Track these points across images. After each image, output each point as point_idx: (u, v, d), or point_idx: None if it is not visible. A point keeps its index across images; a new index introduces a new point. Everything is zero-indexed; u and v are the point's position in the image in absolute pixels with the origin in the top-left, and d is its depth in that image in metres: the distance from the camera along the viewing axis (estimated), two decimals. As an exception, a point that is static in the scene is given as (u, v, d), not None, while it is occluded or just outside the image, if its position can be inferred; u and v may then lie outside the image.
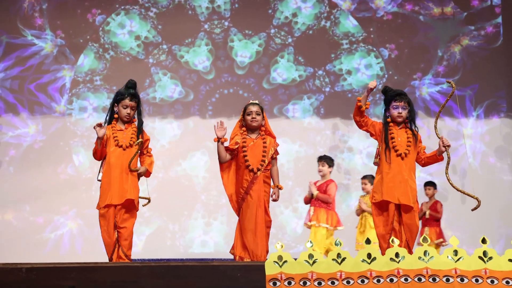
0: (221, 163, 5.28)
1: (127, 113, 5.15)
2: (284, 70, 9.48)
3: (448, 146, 5.07)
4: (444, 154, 5.13)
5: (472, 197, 5.05)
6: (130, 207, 5.10)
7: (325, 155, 7.70)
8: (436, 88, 9.53)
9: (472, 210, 5.12)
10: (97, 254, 6.39)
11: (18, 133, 9.14)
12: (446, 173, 5.17)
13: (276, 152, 5.33)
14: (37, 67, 9.27)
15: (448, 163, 5.14)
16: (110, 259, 5.07)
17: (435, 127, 5.22)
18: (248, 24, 9.50)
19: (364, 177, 7.85)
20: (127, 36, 9.41)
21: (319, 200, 7.31)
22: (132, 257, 5.19)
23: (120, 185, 5.05)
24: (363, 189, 7.85)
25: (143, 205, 5.27)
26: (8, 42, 9.27)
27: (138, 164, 5.22)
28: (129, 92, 5.16)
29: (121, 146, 5.10)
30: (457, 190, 5.14)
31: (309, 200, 7.44)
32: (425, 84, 9.52)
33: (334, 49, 9.57)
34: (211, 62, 9.46)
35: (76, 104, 9.26)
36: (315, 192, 7.31)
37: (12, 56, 9.26)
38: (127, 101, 5.15)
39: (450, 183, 5.14)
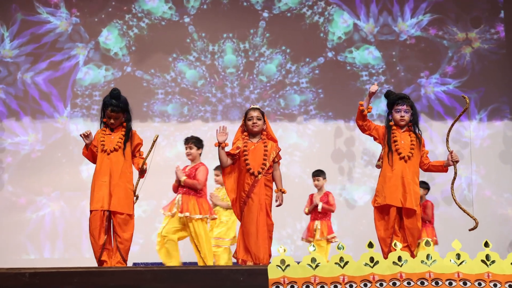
0: (222, 168, 5.27)
1: (111, 123, 5.18)
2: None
3: (457, 161, 5.07)
4: (451, 168, 5.13)
5: (471, 217, 5.10)
6: (123, 214, 5.09)
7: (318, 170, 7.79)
8: (442, 87, 9.47)
9: (470, 230, 5.17)
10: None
11: (17, 140, 9.14)
12: (451, 188, 5.20)
13: (279, 156, 5.30)
14: (51, 45, 9.28)
15: (454, 178, 5.15)
16: (98, 261, 5.06)
17: (447, 140, 5.21)
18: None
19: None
20: (157, 2, 9.41)
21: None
22: (134, 260, 5.19)
23: (106, 190, 5.06)
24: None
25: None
26: (23, 19, 9.24)
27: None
28: (110, 103, 5.15)
29: (105, 151, 5.10)
30: (459, 207, 5.15)
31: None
32: (431, 83, 9.46)
33: (354, 80, 9.50)
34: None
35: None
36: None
37: (26, 33, 9.24)
38: (108, 112, 5.16)
39: (454, 199, 5.16)
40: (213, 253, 6.75)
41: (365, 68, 9.49)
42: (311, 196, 7.68)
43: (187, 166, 6.75)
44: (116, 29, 9.36)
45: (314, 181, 7.70)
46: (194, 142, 6.72)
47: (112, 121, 5.17)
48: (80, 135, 5.20)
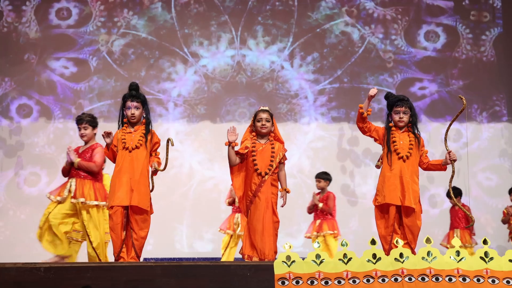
0: (231, 166, 5.33)
1: (131, 114, 5.21)
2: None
3: (455, 160, 5.16)
4: (449, 167, 5.22)
5: (468, 215, 5.18)
6: (142, 211, 5.13)
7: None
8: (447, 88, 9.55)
9: (466, 227, 5.27)
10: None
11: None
12: (449, 186, 5.30)
13: (284, 157, 5.37)
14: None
15: (452, 177, 5.24)
16: (117, 256, 5.09)
17: (445, 139, 5.30)
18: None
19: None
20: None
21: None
22: (145, 255, 5.24)
23: (127, 187, 5.08)
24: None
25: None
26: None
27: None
28: (130, 94, 5.23)
29: (127, 149, 5.14)
30: (457, 205, 5.24)
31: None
32: (437, 82, 9.52)
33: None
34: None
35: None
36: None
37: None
38: (128, 103, 5.22)
39: (452, 196, 5.25)
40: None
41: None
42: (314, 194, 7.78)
43: (80, 147, 6.11)
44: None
45: (316, 182, 7.78)
46: (89, 121, 6.01)
47: (132, 111, 5.20)
48: (102, 135, 5.21)
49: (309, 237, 7.65)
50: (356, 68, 9.32)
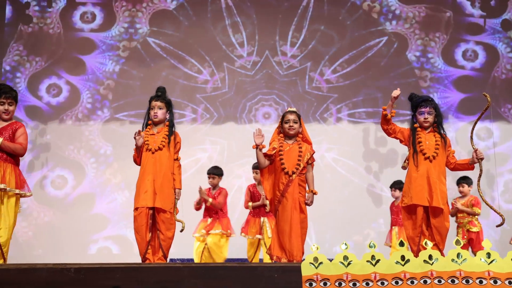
0: (261, 169, 5.35)
1: (154, 113, 5.25)
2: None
3: (482, 159, 5.10)
4: (477, 166, 5.17)
5: (498, 213, 5.12)
6: (167, 212, 5.15)
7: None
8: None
9: (497, 226, 5.21)
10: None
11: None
12: (478, 185, 5.23)
13: (312, 158, 5.36)
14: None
15: (480, 176, 5.19)
16: (143, 257, 5.12)
17: (471, 138, 5.25)
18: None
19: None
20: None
21: None
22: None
23: (151, 189, 5.10)
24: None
25: (180, 231, 5.30)
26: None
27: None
28: (155, 95, 5.29)
29: (150, 150, 5.16)
30: (486, 203, 5.18)
31: None
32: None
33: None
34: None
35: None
36: None
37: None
38: (153, 102, 5.27)
39: (480, 195, 5.18)
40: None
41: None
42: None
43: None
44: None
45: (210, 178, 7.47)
46: (16, 97, 5.34)
47: (155, 110, 5.23)
48: (134, 137, 5.23)
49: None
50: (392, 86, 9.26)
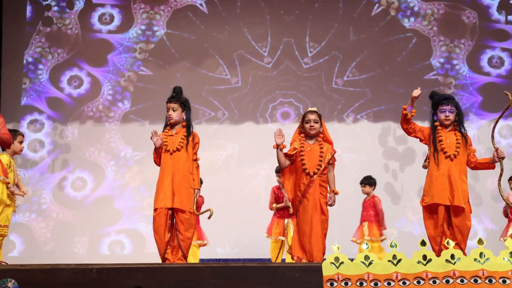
0: (282, 169, 5.35)
1: (169, 115, 5.27)
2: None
3: (503, 158, 5.07)
4: (497, 165, 5.13)
5: None
6: (186, 212, 5.17)
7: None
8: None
9: None
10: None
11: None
12: (498, 185, 5.20)
13: (333, 159, 5.34)
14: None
15: (501, 175, 5.14)
16: (162, 258, 5.15)
17: (492, 136, 5.22)
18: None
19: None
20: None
21: None
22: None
23: (170, 189, 5.13)
24: None
25: (208, 218, 5.37)
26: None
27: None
28: (170, 96, 5.31)
29: (168, 151, 5.19)
30: (506, 203, 5.15)
31: None
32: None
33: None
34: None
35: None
36: None
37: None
38: (167, 105, 5.30)
39: (501, 195, 5.15)
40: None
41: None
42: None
43: None
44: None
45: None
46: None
47: (170, 112, 5.25)
48: (151, 138, 5.25)
49: (357, 242, 7.57)
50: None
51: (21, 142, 5.80)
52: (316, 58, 9.42)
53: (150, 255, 8.46)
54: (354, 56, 9.40)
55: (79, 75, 9.35)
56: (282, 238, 7.17)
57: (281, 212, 7.28)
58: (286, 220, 7.24)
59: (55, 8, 9.42)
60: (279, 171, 6.73)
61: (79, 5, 9.46)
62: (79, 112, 9.28)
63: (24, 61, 9.30)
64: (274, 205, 7.32)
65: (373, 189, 7.83)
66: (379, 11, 9.44)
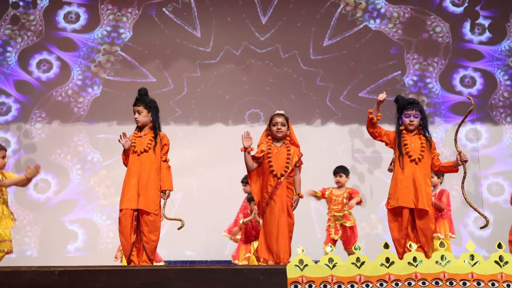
0: (249, 171, 5.39)
1: (135, 118, 5.31)
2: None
3: (465, 161, 5.18)
4: (461, 168, 5.25)
5: (482, 215, 5.21)
6: (151, 215, 5.18)
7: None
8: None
9: (481, 228, 5.28)
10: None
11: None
12: (462, 187, 5.31)
13: (300, 161, 5.41)
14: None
15: (464, 178, 5.28)
16: (128, 259, 5.15)
17: (455, 140, 5.33)
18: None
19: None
20: None
21: None
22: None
23: (135, 190, 5.14)
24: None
25: (178, 229, 5.30)
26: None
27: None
28: (135, 98, 5.34)
29: (136, 152, 5.21)
30: (470, 206, 5.25)
31: None
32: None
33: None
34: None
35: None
36: None
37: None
38: (133, 108, 5.33)
39: (465, 197, 5.27)
40: None
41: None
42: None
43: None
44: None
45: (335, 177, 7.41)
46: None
47: (136, 115, 5.29)
48: (119, 140, 5.27)
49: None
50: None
51: (3, 157, 5.66)
52: (287, 60, 9.48)
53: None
54: (326, 62, 9.48)
55: (48, 59, 9.26)
56: (249, 255, 6.96)
57: (247, 237, 7.08)
58: (252, 243, 7.06)
59: (21, 3, 9.31)
60: (246, 180, 6.79)
61: (44, 2, 9.36)
62: (48, 96, 9.19)
63: None
64: (241, 220, 7.07)
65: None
66: (344, 12, 9.54)
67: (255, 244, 6.99)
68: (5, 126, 9.06)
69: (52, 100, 9.21)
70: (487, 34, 9.46)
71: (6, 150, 5.77)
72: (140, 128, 5.34)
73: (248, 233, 7.09)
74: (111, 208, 8.94)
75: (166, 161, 5.32)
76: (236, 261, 7.13)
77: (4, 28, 9.22)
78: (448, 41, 9.45)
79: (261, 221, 6.83)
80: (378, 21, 9.51)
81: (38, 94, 9.18)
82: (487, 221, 5.19)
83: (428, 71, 9.41)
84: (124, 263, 5.89)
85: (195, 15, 9.47)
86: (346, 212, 7.15)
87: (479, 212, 5.22)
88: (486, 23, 9.47)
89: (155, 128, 5.31)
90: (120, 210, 5.18)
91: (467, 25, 9.48)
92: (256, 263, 6.42)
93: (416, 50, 9.44)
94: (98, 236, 8.95)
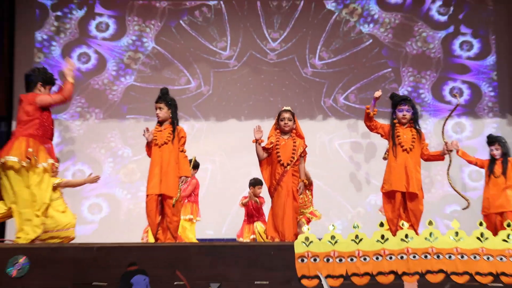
0: (260, 160, 5.43)
1: (157, 113, 5.35)
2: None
3: (451, 150, 5.21)
4: (447, 157, 5.28)
5: (464, 198, 5.23)
6: (172, 198, 5.22)
7: None
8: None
9: (463, 209, 5.30)
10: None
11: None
12: (447, 173, 5.34)
13: (304, 152, 5.44)
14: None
15: (449, 165, 5.31)
16: (155, 237, 5.21)
17: (442, 132, 5.38)
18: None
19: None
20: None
21: None
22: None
23: (158, 178, 5.19)
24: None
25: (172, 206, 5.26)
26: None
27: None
28: (158, 97, 5.38)
29: (157, 144, 5.27)
30: (454, 189, 5.28)
31: None
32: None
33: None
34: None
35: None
36: None
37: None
38: (155, 104, 5.37)
39: (449, 182, 5.29)
40: None
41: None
42: None
43: None
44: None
45: None
46: None
47: (157, 111, 5.34)
48: (143, 134, 5.32)
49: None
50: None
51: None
52: (291, 63, 9.45)
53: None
54: (344, 96, 9.45)
55: (87, 52, 9.32)
56: (254, 236, 7.14)
57: (249, 217, 7.26)
58: (254, 224, 7.20)
59: (59, 13, 9.39)
60: (253, 183, 7.01)
61: (80, 12, 9.42)
62: (86, 84, 9.26)
63: (40, 38, 9.25)
64: (241, 201, 7.28)
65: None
66: (338, 19, 9.53)
67: (257, 224, 7.13)
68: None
69: (90, 88, 9.29)
70: (474, 51, 9.46)
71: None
72: (160, 123, 5.38)
73: (250, 213, 7.24)
74: (131, 184, 9.04)
75: (183, 151, 5.36)
76: (240, 239, 7.24)
77: (49, 24, 9.28)
78: (439, 56, 9.45)
79: (258, 200, 7.01)
80: (371, 25, 9.50)
81: (78, 82, 9.12)
82: (469, 203, 5.22)
83: (421, 82, 9.41)
84: (151, 241, 5.99)
85: (210, 25, 9.50)
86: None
87: (461, 195, 5.24)
88: (474, 41, 9.48)
89: (174, 123, 5.35)
90: (147, 196, 5.23)
91: (457, 42, 9.48)
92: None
93: (411, 64, 9.44)
94: (120, 208, 9.05)
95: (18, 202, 4.69)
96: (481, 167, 6.59)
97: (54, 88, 5.18)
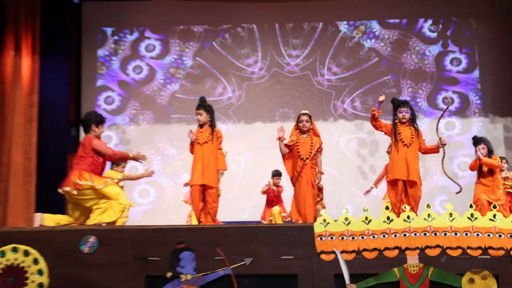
0: (282, 155, 5.45)
1: (197, 118, 5.40)
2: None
3: (444, 144, 5.16)
4: (441, 150, 5.23)
5: (456, 183, 5.18)
6: (212, 188, 5.29)
7: None
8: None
9: (456, 193, 5.24)
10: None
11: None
12: (442, 164, 5.32)
13: (320, 148, 5.45)
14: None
15: (443, 157, 5.29)
16: (198, 220, 5.28)
17: (437, 129, 5.33)
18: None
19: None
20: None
21: None
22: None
23: (200, 171, 5.25)
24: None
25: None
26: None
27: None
28: (197, 104, 5.42)
29: (199, 143, 5.32)
30: (447, 176, 5.22)
31: None
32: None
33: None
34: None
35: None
36: None
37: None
38: (196, 111, 5.43)
39: (444, 171, 5.25)
40: None
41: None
42: None
43: None
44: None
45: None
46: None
47: (198, 117, 5.39)
48: (188, 135, 5.39)
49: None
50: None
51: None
52: (307, 77, 9.39)
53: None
54: (352, 105, 9.37)
55: (140, 64, 9.41)
56: (271, 218, 7.11)
57: (269, 202, 7.25)
58: (273, 208, 7.14)
59: (116, 37, 9.51)
60: (275, 175, 6.99)
61: (134, 35, 9.51)
62: (139, 91, 9.34)
63: (102, 54, 9.37)
64: (262, 189, 7.29)
65: None
66: (344, 36, 9.43)
67: (274, 209, 7.13)
68: (109, 127, 9.21)
69: (142, 94, 9.36)
70: (463, 65, 9.36)
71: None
72: (201, 126, 5.43)
73: (270, 199, 7.24)
74: (173, 173, 9.07)
75: (220, 149, 5.42)
76: (263, 221, 7.24)
77: (109, 46, 9.40)
78: (433, 71, 9.36)
79: (275, 189, 7.03)
80: (373, 40, 9.43)
81: (133, 89, 9.34)
82: (461, 188, 5.17)
83: (418, 93, 9.31)
84: (195, 223, 6.03)
85: (237, 46, 9.52)
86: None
87: (454, 181, 5.19)
88: (462, 56, 9.38)
89: (212, 125, 5.39)
90: (191, 186, 5.29)
91: (448, 59, 9.39)
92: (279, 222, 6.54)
93: (409, 77, 9.36)
94: (163, 194, 9.08)
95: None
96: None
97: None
